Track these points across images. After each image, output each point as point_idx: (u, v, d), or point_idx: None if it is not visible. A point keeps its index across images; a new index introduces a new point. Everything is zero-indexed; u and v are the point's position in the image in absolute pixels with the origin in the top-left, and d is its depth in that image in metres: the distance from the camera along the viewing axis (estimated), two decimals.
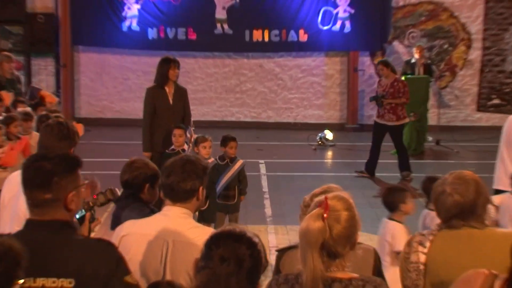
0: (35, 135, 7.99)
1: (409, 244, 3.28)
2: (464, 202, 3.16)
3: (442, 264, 3.16)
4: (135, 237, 3.27)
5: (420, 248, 3.21)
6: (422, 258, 3.18)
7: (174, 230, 3.24)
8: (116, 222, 4.04)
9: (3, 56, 10.12)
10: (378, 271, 3.35)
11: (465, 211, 3.17)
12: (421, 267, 3.19)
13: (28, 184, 2.68)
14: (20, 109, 8.63)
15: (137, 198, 4.12)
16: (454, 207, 3.17)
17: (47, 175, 2.68)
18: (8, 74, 10.01)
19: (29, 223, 2.70)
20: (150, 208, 4.11)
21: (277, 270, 3.29)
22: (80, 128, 7.10)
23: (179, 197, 3.33)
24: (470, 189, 3.18)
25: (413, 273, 3.18)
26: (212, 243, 2.42)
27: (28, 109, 8.66)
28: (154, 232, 3.27)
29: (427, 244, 3.21)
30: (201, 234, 3.19)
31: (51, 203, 2.68)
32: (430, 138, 13.46)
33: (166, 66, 7.99)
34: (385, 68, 10.91)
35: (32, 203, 2.68)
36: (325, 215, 2.56)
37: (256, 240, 2.44)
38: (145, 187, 4.13)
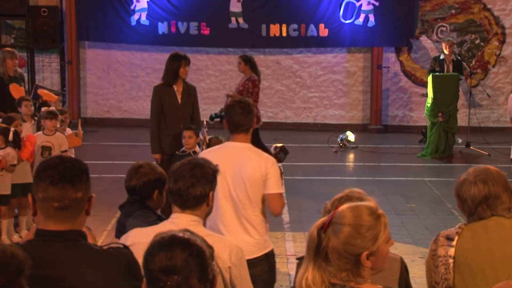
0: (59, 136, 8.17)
1: (435, 240, 3.42)
2: (489, 189, 3.33)
3: (473, 255, 3.30)
4: (142, 247, 3.26)
5: (447, 242, 3.33)
6: (451, 251, 3.30)
7: None
8: (120, 229, 4.05)
9: (6, 53, 10.17)
10: (404, 281, 3.33)
11: (490, 198, 3.33)
12: (450, 260, 3.31)
13: (59, 181, 2.66)
14: (44, 108, 8.73)
15: (143, 205, 4.12)
16: (479, 194, 3.34)
17: (79, 172, 2.71)
18: (11, 72, 10.07)
19: (43, 233, 2.71)
20: (157, 214, 4.11)
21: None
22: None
23: (188, 203, 3.34)
24: (493, 178, 3.37)
25: (442, 267, 3.28)
26: (147, 264, 2.37)
27: (52, 108, 8.73)
28: None
29: (455, 237, 3.35)
30: (212, 242, 3.19)
31: (79, 203, 2.70)
32: (459, 140, 13.39)
33: (177, 63, 7.97)
34: (243, 63, 10.71)
35: (60, 206, 2.67)
36: (326, 224, 2.59)
37: (186, 236, 2.39)
38: (153, 194, 4.13)
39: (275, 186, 4.70)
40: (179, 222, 3.31)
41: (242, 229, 4.72)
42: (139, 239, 3.31)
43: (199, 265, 2.33)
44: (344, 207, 2.64)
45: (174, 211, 3.40)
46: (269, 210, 4.77)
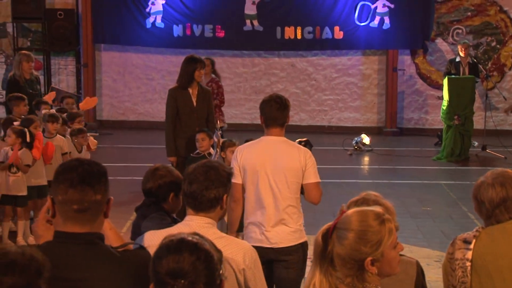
0: (59, 139, 8.20)
1: (452, 243, 3.42)
2: (507, 192, 3.33)
3: (490, 258, 3.29)
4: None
5: (465, 245, 3.33)
6: (468, 254, 3.29)
7: None
8: (136, 231, 4.07)
9: (22, 55, 10.23)
10: (421, 285, 3.32)
11: (508, 201, 3.33)
12: (467, 263, 3.31)
13: (79, 184, 2.67)
14: (44, 111, 8.77)
15: (159, 207, 4.13)
16: (496, 197, 3.34)
17: (98, 175, 2.72)
18: (27, 75, 10.12)
19: (62, 235, 2.72)
20: (172, 217, 4.11)
21: None
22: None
23: (202, 206, 3.35)
24: (511, 181, 3.37)
25: (459, 271, 3.28)
26: (154, 267, 2.36)
27: (53, 110, 8.77)
28: None
29: (472, 240, 3.34)
30: (226, 244, 3.20)
31: (98, 205, 2.71)
32: (475, 143, 13.32)
33: (192, 66, 7.99)
34: (210, 65, 10.83)
35: (79, 208, 2.68)
36: (331, 229, 2.58)
37: (195, 239, 2.39)
38: (169, 196, 4.13)
39: (314, 176, 5.06)
40: (193, 224, 3.33)
41: (280, 219, 5.01)
42: (153, 242, 3.31)
43: (207, 270, 2.32)
44: (349, 212, 2.63)
45: (188, 213, 3.41)
46: (309, 199, 5.15)
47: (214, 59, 11.52)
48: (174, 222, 3.93)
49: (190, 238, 2.39)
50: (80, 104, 10.48)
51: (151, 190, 4.14)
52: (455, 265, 3.31)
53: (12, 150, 7.53)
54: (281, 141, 5.09)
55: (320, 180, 5.15)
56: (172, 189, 4.12)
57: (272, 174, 4.99)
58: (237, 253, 3.28)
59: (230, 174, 3.46)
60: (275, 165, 4.99)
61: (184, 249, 2.34)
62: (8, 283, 2.13)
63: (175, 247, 2.35)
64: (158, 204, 4.13)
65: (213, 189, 3.33)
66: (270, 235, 5.03)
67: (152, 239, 3.34)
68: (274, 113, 5.09)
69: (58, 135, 8.31)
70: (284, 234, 5.04)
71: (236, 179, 4.99)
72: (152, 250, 3.21)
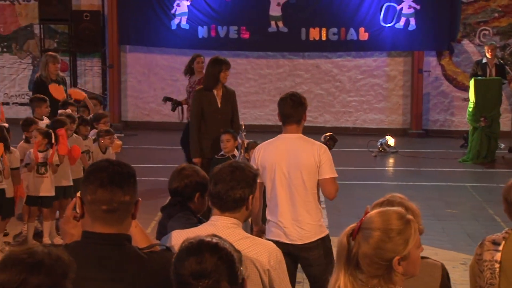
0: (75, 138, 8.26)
1: (481, 244, 3.40)
2: None
3: None
4: None
5: (494, 247, 3.31)
6: (497, 256, 3.25)
7: None
8: (161, 231, 4.08)
9: (48, 57, 10.31)
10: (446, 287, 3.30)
11: None
12: (496, 265, 3.29)
13: (108, 184, 2.68)
14: (60, 111, 8.84)
15: (185, 207, 4.14)
16: None
17: (127, 176, 2.74)
18: (53, 76, 10.20)
19: (90, 235, 2.73)
20: (198, 217, 4.13)
21: None
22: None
23: (227, 206, 3.36)
24: None
25: (487, 272, 3.25)
26: (176, 269, 2.39)
27: (69, 111, 8.83)
28: None
29: (502, 242, 3.32)
30: (251, 245, 3.21)
31: (127, 206, 2.72)
32: (502, 145, 13.21)
33: (218, 68, 8.01)
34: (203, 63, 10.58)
35: (108, 208, 2.69)
36: (355, 230, 2.56)
37: (215, 240, 2.41)
38: (195, 196, 4.14)
39: (329, 171, 5.08)
40: (218, 224, 3.34)
41: (297, 215, 5.05)
42: (179, 241, 3.32)
43: (229, 269, 2.34)
44: (372, 212, 2.62)
45: (213, 213, 3.43)
46: (324, 194, 5.17)
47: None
48: (200, 222, 3.94)
49: (209, 239, 2.41)
50: (75, 95, 10.30)
51: (177, 189, 4.15)
52: (483, 267, 3.29)
53: (39, 152, 7.59)
54: (296, 137, 5.17)
55: (336, 175, 5.17)
56: (198, 189, 4.13)
57: (288, 171, 5.06)
58: (262, 254, 3.28)
59: (256, 175, 3.47)
60: (291, 162, 5.06)
61: (204, 250, 2.36)
62: (34, 283, 2.15)
63: (195, 248, 2.37)
64: (184, 204, 4.14)
65: (239, 189, 3.34)
66: (288, 231, 5.09)
67: (178, 239, 3.35)
68: (289, 110, 5.17)
69: (74, 135, 8.33)
70: (302, 231, 5.08)
71: None
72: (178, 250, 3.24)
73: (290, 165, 5.05)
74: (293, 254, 5.07)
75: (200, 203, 4.16)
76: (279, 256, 3.37)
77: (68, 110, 8.84)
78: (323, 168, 5.08)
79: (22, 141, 8.17)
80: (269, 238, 5.01)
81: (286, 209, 5.06)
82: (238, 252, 2.43)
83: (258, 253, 3.27)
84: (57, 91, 9.77)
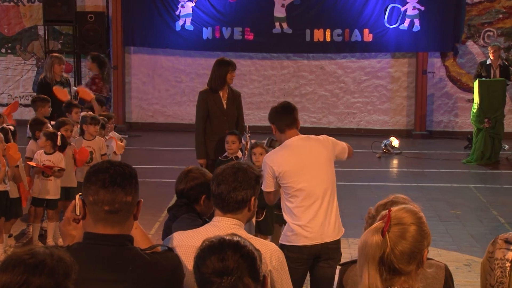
0: (99, 140, 8.31)
1: (493, 242, 3.38)
2: None
3: None
4: (184, 250, 3.30)
5: (506, 245, 3.30)
6: (509, 255, 3.28)
7: None
8: (167, 232, 4.08)
9: (54, 58, 10.34)
10: None
11: None
12: (507, 264, 3.28)
13: (110, 185, 2.69)
14: (83, 113, 8.91)
15: (191, 209, 4.15)
16: None
17: (129, 176, 2.75)
18: (58, 77, 10.24)
19: (92, 236, 2.74)
20: (204, 219, 4.13)
21: (341, 285, 3.28)
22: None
23: (229, 207, 3.36)
24: None
25: (498, 270, 3.27)
26: (198, 268, 2.43)
27: (90, 113, 8.89)
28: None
29: None
30: (255, 245, 3.21)
31: (128, 207, 2.73)
32: (506, 147, 13.19)
33: (225, 69, 7.99)
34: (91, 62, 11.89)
35: (110, 209, 2.70)
36: (385, 228, 2.54)
37: (236, 238, 2.46)
38: (201, 198, 4.15)
39: (340, 143, 5.55)
40: (221, 225, 3.35)
41: (334, 217, 5.21)
42: (182, 242, 3.34)
43: (251, 266, 2.39)
44: (395, 209, 2.62)
45: (216, 214, 3.43)
46: (348, 156, 5.57)
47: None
48: (204, 222, 3.95)
49: (230, 238, 2.46)
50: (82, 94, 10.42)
51: (183, 191, 4.15)
52: (494, 265, 3.30)
53: (46, 154, 7.61)
54: (300, 139, 5.38)
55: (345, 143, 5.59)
56: (204, 192, 4.13)
57: (310, 174, 5.20)
58: (264, 254, 3.28)
59: (258, 177, 3.47)
60: (310, 164, 5.24)
61: (226, 248, 2.40)
62: (36, 283, 2.16)
63: (217, 247, 2.42)
64: (190, 205, 4.14)
65: (241, 191, 3.35)
66: (319, 231, 5.17)
67: (181, 239, 3.36)
68: (290, 118, 5.41)
69: (97, 137, 8.45)
70: (331, 231, 5.20)
71: (268, 188, 5.27)
72: (180, 250, 3.25)
73: (312, 167, 5.23)
74: (318, 258, 5.20)
75: (206, 205, 4.16)
76: (281, 257, 3.38)
77: (82, 113, 8.92)
78: (337, 147, 5.48)
79: (32, 140, 8.20)
80: (289, 244, 5.15)
81: (320, 210, 5.18)
82: (258, 250, 2.48)
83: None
84: (61, 93, 9.81)
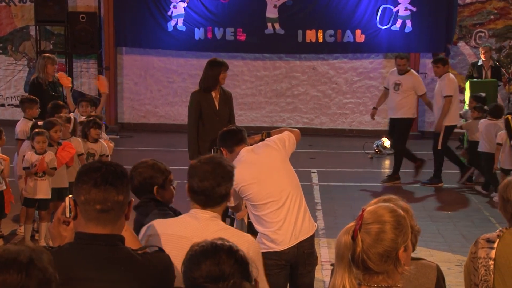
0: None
1: (475, 243, 3.45)
2: None
3: None
4: (163, 238, 3.38)
5: (488, 245, 3.38)
6: (491, 253, 3.36)
7: (206, 231, 3.32)
8: (138, 229, 4.07)
9: (47, 58, 10.31)
10: None
11: None
12: (491, 262, 3.35)
13: (102, 184, 2.69)
14: (62, 114, 8.83)
15: (158, 203, 4.14)
16: None
17: (121, 176, 2.75)
18: (50, 77, 10.21)
19: (83, 236, 2.73)
20: (173, 209, 4.14)
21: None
22: None
23: (213, 202, 3.45)
24: None
25: (482, 269, 3.32)
26: (191, 273, 2.37)
27: (71, 114, 8.85)
28: (183, 233, 3.36)
29: (496, 240, 3.39)
30: (231, 236, 3.23)
31: (120, 206, 2.72)
32: None
33: (217, 70, 7.98)
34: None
35: (102, 208, 2.69)
36: (357, 228, 2.51)
37: (227, 243, 2.43)
38: (153, 190, 4.15)
39: (284, 138, 5.29)
40: (200, 217, 3.43)
41: (303, 214, 5.07)
42: (160, 230, 3.41)
43: (245, 271, 2.37)
44: (371, 209, 2.57)
45: (193, 207, 3.48)
46: (297, 141, 5.41)
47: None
48: (174, 213, 3.98)
49: (221, 242, 2.43)
50: (99, 84, 10.55)
51: (134, 189, 4.14)
52: (477, 264, 3.35)
53: (36, 154, 7.59)
54: (251, 150, 5.18)
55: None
56: (154, 183, 4.15)
57: (273, 179, 5.03)
58: (241, 245, 3.26)
59: (234, 168, 3.57)
60: (270, 171, 5.05)
61: (221, 252, 2.37)
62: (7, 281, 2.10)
63: (211, 251, 2.38)
64: (155, 199, 4.14)
65: (223, 185, 3.44)
66: (298, 229, 5.06)
67: (159, 228, 3.42)
68: (231, 138, 5.26)
69: (99, 140, 8.51)
70: (310, 227, 5.12)
71: (232, 203, 5.08)
72: (162, 238, 3.30)
73: (272, 174, 5.03)
74: (294, 261, 5.07)
75: (162, 195, 4.16)
76: (257, 248, 3.48)
77: (71, 114, 8.89)
78: (286, 143, 5.25)
79: (26, 140, 8.16)
80: (266, 251, 4.89)
81: (293, 214, 5.02)
82: (247, 255, 2.48)
83: (238, 244, 3.26)
84: (65, 79, 9.95)
